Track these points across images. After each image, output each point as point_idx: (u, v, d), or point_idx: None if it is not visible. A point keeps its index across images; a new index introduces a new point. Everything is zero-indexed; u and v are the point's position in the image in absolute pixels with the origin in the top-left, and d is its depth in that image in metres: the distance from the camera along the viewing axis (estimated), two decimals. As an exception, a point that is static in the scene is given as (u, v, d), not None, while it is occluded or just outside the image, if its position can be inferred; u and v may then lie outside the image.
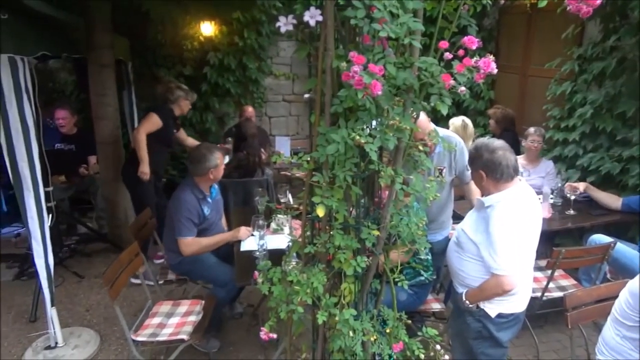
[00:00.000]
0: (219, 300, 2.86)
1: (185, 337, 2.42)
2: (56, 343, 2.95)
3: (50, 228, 2.93)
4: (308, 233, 1.76)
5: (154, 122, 3.80)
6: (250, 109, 5.24)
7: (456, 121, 3.87)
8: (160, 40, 5.52)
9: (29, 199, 2.69)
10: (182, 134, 4.37)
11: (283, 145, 5.52)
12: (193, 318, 2.60)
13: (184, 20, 5.43)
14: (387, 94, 1.36)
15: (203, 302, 2.75)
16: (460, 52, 1.40)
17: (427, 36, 1.43)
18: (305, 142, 6.22)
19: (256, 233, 2.63)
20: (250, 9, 5.22)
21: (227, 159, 4.46)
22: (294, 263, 1.93)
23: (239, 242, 2.91)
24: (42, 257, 2.81)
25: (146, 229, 3.24)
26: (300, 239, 1.80)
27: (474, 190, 2.77)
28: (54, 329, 2.92)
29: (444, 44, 1.39)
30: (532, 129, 3.85)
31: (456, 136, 2.85)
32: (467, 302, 2.06)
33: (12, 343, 3.09)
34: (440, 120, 4.88)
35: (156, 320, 2.62)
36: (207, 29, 5.52)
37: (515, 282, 1.94)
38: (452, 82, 1.34)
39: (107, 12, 3.90)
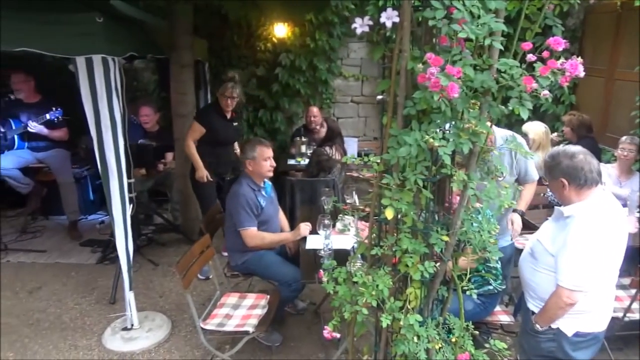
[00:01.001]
0: (283, 297, 2.92)
1: (250, 329, 2.50)
2: (132, 325, 3.15)
3: (131, 217, 3.13)
4: (375, 235, 1.75)
5: (195, 129, 3.91)
6: (315, 110, 5.31)
7: (537, 127, 3.69)
8: (236, 41, 5.75)
9: (114, 189, 2.90)
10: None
11: (350, 147, 5.53)
12: (258, 311, 2.68)
13: (259, 22, 5.62)
14: (463, 97, 1.33)
15: (268, 297, 2.82)
16: (545, 54, 1.33)
17: (504, 37, 1.38)
18: (372, 144, 6.20)
19: (322, 232, 2.66)
20: (323, 10, 5.29)
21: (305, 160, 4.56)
22: (359, 264, 1.94)
23: (304, 240, 2.96)
24: (122, 244, 3.02)
25: (216, 222, 3.38)
26: (366, 241, 1.80)
27: (525, 196, 2.78)
28: (130, 311, 3.12)
29: (528, 45, 1.33)
30: (624, 138, 3.58)
31: (517, 135, 2.73)
32: (538, 325, 1.97)
33: (94, 322, 3.35)
34: (514, 124, 4.67)
35: (223, 310, 2.72)
36: (281, 30, 5.66)
37: (577, 297, 1.82)
38: (534, 85, 1.28)
39: (189, 15, 4.11)
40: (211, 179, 3.96)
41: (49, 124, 4.42)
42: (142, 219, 4.78)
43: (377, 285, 1.59)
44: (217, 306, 2.79)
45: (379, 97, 1.62)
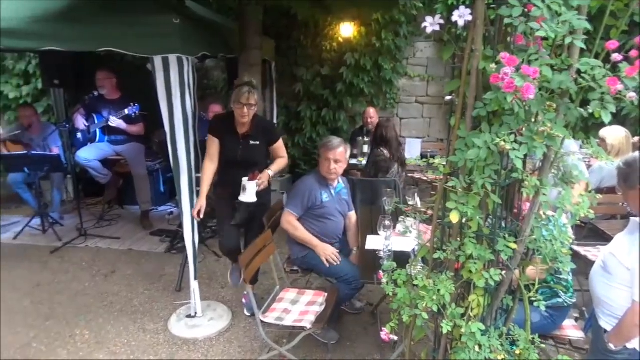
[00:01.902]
0: (341, 295, 2.93)
1: (307, 325, 2.53)
2: (195, 313, 3.29)
3: (198, 210, 3.26)
4: (437, 239, 1.72)
5: (209, 143, 3.18)
6: (372, 111, 5.27)
7: (616, 131, 3.44)
8: (303, 41, 5.84)
9: (184, 183, 3.05)
10: (275, 146, 3.27)
11: (413, 148, 5.45)
12: (316, 308, 2.71)
13: (326, 21, 5.67)
14: (539, 98, 1.27)
15: (326, 294, 2.85)
16: (633, 53, 1.24)
17: (585, 35, 1.30)
18: (436, 145, 6.06)
19: (382, 233, 2.64)
20: (391, 10, 5.24)
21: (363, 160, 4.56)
22: (419, 268, 1.90)
23: (364, 238, 2.96)
24: (189, 235, 3.16)
25: (278, 218, 3.44)
26: (428, 244, 1.76)
27: None
28: (195, 300, 3.26)
29: (613, 44, 1.25)
30: None
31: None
32: (611, 345, 1.84)
33: (161, 307, 3.53)
34: (591, 129, 4.38)
35: (282, 305, 2.78)
36: (347, 30, 5.67)
37: None
38: (618, 86, 1.20)
39: (259, 16, 4.22)
40: (200, 217, 3.14)
41: (127, 119, 4.72)
42: (207, 212, 4.96)
43: (439, 290, 1.56)
44: (276, 300, 2.85)
45: (448, 97, 1.59)
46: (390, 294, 1.73)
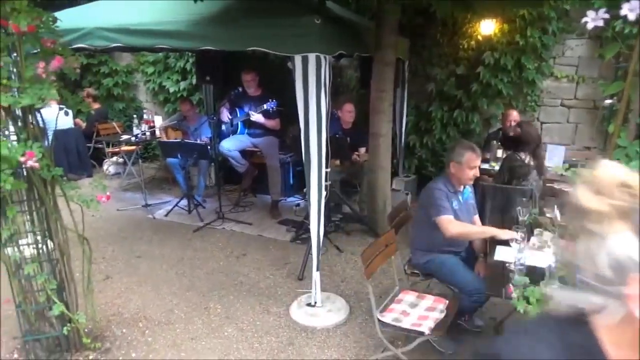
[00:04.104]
0: (462, 306, 2.81)
1: (426, 330, 2.47)
2: (315, 303, 3.41)
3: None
4: (582, 257, 1.55)
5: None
6: (514, 113, 4.91)
7: None
8: (439, 39, 5.67)
9: (313, 176, 3.18)
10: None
11: (555, 155, 4.97)
12: (436, 314, 2.63)
13: (465, 19, 5.44)
14: None
15: (447, 302, 2.75)
16: None
17: None
18: (583, 154, 5.45)
19: (514, 245, 2.47)
20: (541, 5, 4.84)
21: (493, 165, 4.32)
22: (556, 287, 1.74)
23: (492, 251, 2.79)
24: (315, 227, 3.29)
25: (401, 219, 3.42)
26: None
27: None
28: (315, 290, 3.39)
29: None
30: None
31: None
32: None
33: (283, 292, 3.74)
34: None
35: (401, 307, 2.75)
36: (488, 27, 5.37)
37: None
38: None
39: (397, 15, 4.21)
40: None
41: (265, 114, 5.08)
42: (332, 207, 5.12)
43: (579, 314, 1.41)
44: (394, 301, 2.83)
45: (607, 101, 1.42)
46: (522, 311, 1.61)
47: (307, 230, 3.50)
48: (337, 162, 5.08)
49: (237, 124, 5.31)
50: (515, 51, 5.38)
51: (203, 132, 5.75)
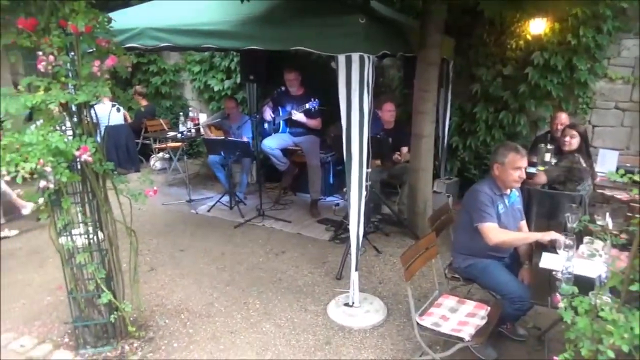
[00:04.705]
0: (504, 314, 2.73)
1: (466, 337, 2.42)
2: (353, 303, 3.41)
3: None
4: (637, 269, 1.48)
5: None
6: (564, 117, 4.71)
7: None
8: (485, 39, 5.53)
9: (354, 176, 3.17)
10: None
11: (607, 160, 4.75)
12: (477, 321, 2.57)
13: (514, 18, 5.27)
14: None
15: (489, 308, 2.68)
16: None
17: None
18: (637, 159, 5.18)
19: (562, 252, 2.37)
20: (596, 3, 4.63)
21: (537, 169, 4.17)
22: (606, 298, 1.67)
23: (538, 258, 2.69)
24: (355, 227, 3.28)
25: (443, 221, 3.35)
26: (623, 273, 1.53)
27: None
28: (353, 290, 3.38)
29: None
30: None
31: None
32: None
33: (321, 291, 3.75)
34: None
35: (440, 311, 2.70)
36: (537, 27, 5.19)
37: None
38: None
39: (443, 14, 4.14)
40: None
41: (307, 113, 5.12)
42: (371, 207, 5.09)
43: (632, 328, 1.35)
44: (434, 305, 2.79)
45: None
46: (569, 321, 1.55)
47: (346, 230, 3.50)
48: (378, 162, 5.05)
49: (279, 122, 5.38)
50: (567, 51, 5.18)
51: (244, 132, 5.85)
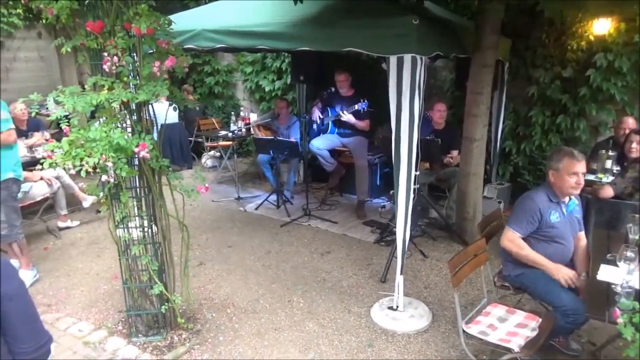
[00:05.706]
0: (556, 327, 2.61)
1: (515, 348, 2.34)
2: (397, 307, 3.37)
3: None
4: None
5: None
6: (630, 121, 4.45)
7: None
8: (544, 40, 5.32)
9: (402, 179, 3.14)
10: None
11: (675, 169, 4.45)
12: (526, 332, 2.48)
13: (575, 18, 5.04)
14: None
15: (540, 319, 2.58)
16: None
17: None
18: None
19: (623, 265, 2.25)
20: (668, 0, 4.34)
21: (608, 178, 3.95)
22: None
23: (595, 266, 2.56)
24: (401, 229, 3.25)
25: (492, 228, 3.25)
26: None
27: None
28: (398, 294, 3.34)
29: None
30: None
31: None
32: None
33: (365, 293, 3.74)
34: None
35: (488, 320, 2.63)
36: (601, 27, 4.93)
37: None
38: None
39: (500, 14, 4.01)
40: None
41: (355, 114, 5.12)
42: (419, 211, 5.02)
43: (701, 349, 1.26)
44: (481, 313, 2.71)
45: None
46: (629, 338, 1.47)
47: (392, 233, 3.46)
48: (427, 164, 4.97)
49: (328, 123, 5.41)
50: (633, 53, 4.89)
51: (292, 132, 5.92)
